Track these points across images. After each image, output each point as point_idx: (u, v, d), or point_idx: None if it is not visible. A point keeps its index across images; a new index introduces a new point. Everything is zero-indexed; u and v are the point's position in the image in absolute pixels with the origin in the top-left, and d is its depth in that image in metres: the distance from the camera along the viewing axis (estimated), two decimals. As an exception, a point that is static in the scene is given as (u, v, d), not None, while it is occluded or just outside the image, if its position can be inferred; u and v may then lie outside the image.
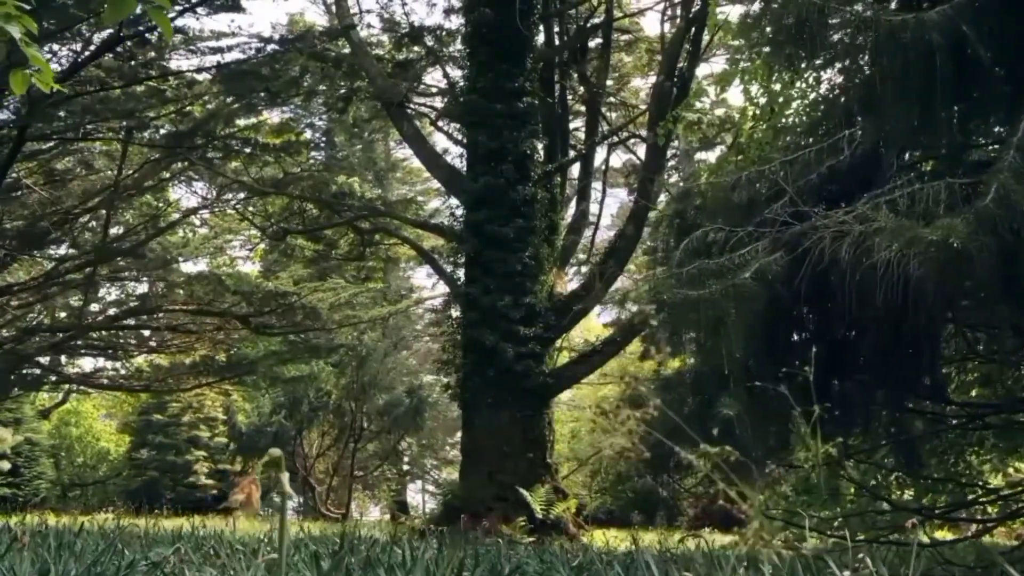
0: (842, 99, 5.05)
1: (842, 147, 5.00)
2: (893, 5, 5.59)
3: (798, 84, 5.77)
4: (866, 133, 4.59)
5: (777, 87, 9.53)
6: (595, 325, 33.06)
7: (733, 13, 15.71)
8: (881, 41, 4.35)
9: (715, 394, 4.30)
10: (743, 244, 4.71)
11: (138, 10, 3.82)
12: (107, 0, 3.60)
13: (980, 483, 6.81)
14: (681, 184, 25.82)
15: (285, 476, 0.97)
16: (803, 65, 4.94)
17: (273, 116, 22.20)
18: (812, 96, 5.86)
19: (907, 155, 4.99)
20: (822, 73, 5.57)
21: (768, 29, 5.52)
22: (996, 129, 5.18)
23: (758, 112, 10.15)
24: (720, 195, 5.24)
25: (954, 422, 6.70)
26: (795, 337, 4.80)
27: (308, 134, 24.20)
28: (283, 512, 1.02)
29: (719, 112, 26.45)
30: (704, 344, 4.45)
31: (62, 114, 16.23)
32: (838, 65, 5.70)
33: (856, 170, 4.78)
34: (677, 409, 4.57)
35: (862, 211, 4.15)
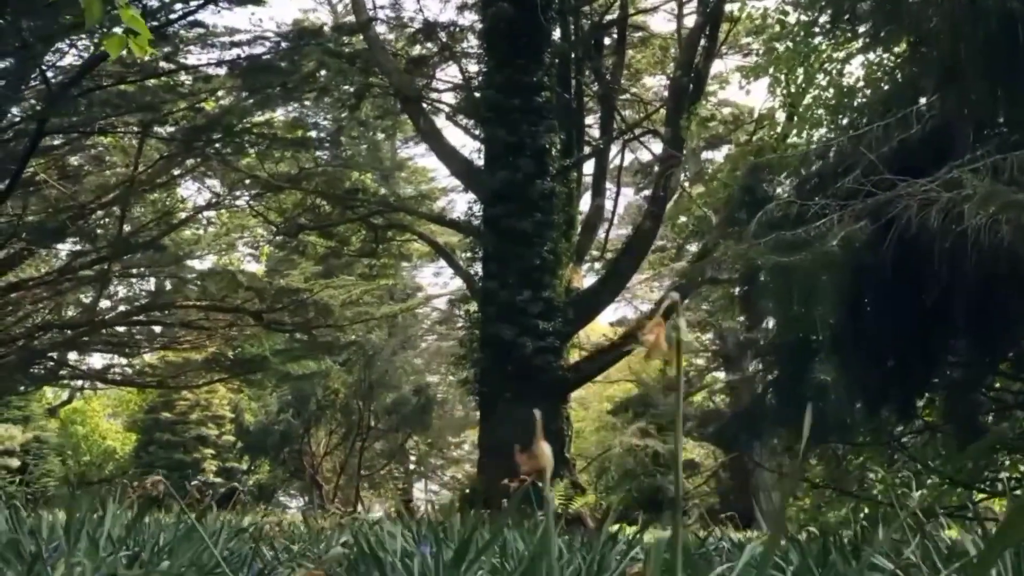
0: (914, 69, 5.05)
1: (911, 121, 5.00)
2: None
3: (873, 57, 5.76)
4: (946, 104, 4.59)
5: (800, 79, 9.54)
6: (600, 324, 33.00)
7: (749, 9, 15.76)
8: (963, 9, 4.35)
9: (806, 361, 4.29)
10: (817, 216, 4.70)
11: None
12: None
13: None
14: (688, 184, 25.82)
15: (682, 321, 0.92)
16: (882, 34, 4.94)
17: (279, 115, 22.15)
18: (877, 72, 5.85)
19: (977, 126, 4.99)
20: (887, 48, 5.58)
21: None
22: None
23: (788, 99, 10.17)
24: (789, 170, 5.23)
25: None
26: (877, 305, 4.79)
27: (313, 134, 24.13)
28: (679, 389, 0.97)
29: (726, 111, 26.56)
30: (793, 311, 4.44)
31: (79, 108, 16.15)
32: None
33: (929, 142, 4.79)
34: (767, 378, 4.55)
35: (950, 178, 4.14)
